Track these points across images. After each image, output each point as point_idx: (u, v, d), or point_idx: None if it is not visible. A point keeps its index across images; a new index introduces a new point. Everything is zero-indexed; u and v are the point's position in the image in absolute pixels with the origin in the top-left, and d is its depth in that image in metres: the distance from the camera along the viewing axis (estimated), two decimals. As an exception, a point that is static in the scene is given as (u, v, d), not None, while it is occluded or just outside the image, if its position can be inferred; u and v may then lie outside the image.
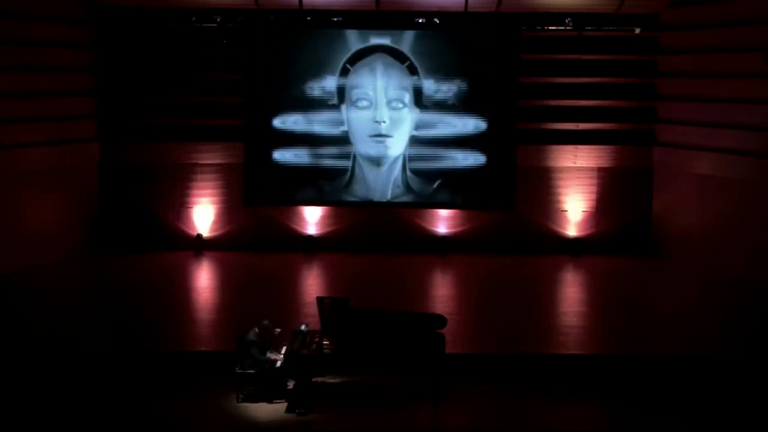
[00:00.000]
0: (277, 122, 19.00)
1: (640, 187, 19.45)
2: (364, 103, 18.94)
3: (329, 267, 18.57)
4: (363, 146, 19.08)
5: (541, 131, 19.56)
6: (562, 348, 13.16)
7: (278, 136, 19.01)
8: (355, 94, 18.91)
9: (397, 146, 19.05)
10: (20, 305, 15.08)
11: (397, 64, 18.86)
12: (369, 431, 10.77)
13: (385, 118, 18.92)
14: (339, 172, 19.15)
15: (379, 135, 18.98)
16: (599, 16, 19.36)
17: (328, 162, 19.11)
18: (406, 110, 18.95)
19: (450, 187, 19.21)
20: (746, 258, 17.10)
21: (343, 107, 18.95)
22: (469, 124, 19.00)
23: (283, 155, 19.09)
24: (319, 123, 18.96)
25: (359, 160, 19.13)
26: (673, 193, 18.99)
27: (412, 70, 18.84)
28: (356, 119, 18.98)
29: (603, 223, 19.48)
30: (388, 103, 18.90)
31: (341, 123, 18.98)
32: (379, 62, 18.85)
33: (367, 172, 19.14)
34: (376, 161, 19.12)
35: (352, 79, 18.90)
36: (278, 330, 11.94)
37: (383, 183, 19.17)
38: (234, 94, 19.20)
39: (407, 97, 18.91)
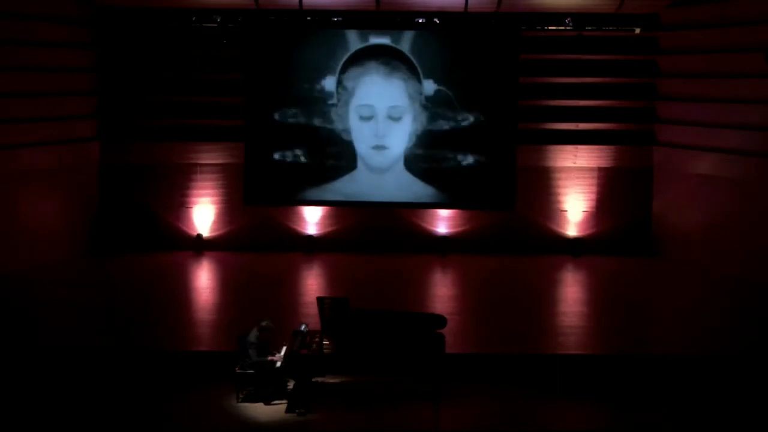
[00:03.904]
0: (277, 121, 19.02)
1: (640, 187, 19.43)
2: (364, 102, 18.93)
3: (329, 267, 18.56)
4: (362, 146, 19.08)
5: (541, 131, 19.55)
6: (562, 348, 13.17)
7: (278, 135, 19.02)
8: (354, 93, 18.91)
9: (397, 146, 19.04)
10: (20, 305, 15.07)
11: (397, 64, 18.86)
12: (369, 431, 10.77)
13: (384, 117, 18.91)
14: (339, 171, 19.15)
15: (379, 135, 18.97)
16: (599, 16, 19.32)
17: (327, 162, 19.10)
18: (406, 110, 18.94)
19: (450, 188, 19.19)
20: (746, 258, 17.08)
21: (343, 107, 18.95)
22: (469, 125, 19.00)
23: (283, 155, 19.10)
24: (318, 123, 18.97)
25: (359, 159, 19.12)
26: (673, 193, 18.98)
27: (412, 71, 18.84)
28: (356, 119, 18.97)
29: (603, 223, 19.47)
30: (388, 102, 18.89)
31: (340, 123, 18.98)
32: (379, 62, 18.85)
33: (367, 171, 19.12)
34: (376, 160, 19.11)
35: (352, 79, 18.89)
36: (267, 323, 11.83)
37: (383, 183, 19.15)
38: (234, 94, 19.21)
39: (407, 97, 18.90)
